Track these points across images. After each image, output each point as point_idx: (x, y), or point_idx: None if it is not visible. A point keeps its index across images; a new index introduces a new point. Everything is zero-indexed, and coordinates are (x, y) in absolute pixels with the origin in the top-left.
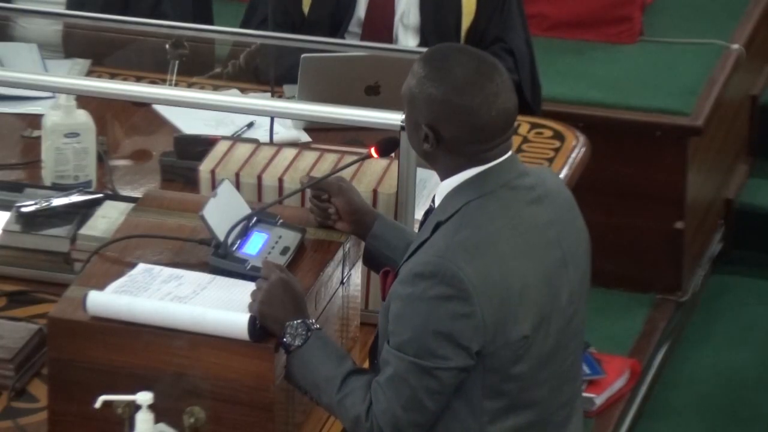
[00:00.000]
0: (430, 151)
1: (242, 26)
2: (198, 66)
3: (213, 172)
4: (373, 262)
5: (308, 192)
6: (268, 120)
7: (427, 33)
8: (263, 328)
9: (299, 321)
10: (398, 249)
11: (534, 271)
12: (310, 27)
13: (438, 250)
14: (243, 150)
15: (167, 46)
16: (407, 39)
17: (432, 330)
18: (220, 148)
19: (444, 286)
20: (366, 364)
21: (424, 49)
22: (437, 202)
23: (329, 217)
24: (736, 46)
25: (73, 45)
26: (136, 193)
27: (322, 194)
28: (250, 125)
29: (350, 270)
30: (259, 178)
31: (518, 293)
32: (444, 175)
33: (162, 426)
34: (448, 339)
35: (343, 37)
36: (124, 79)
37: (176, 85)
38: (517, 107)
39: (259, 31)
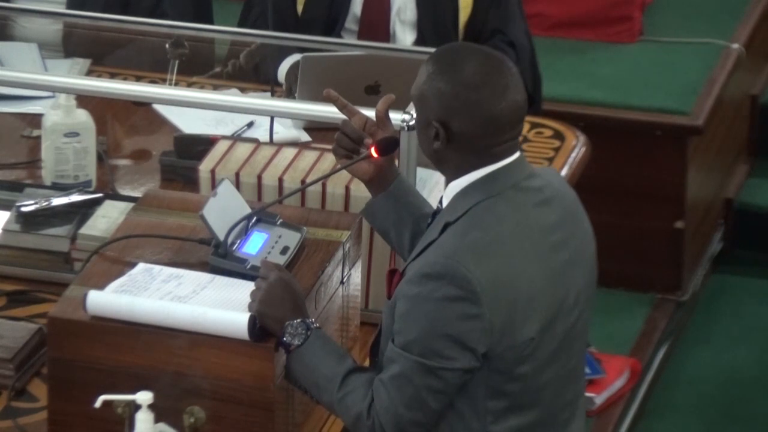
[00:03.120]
0: (439, 149)
1: (239, 24)
2: (198, 66)
3: (213, 171)
4: (375, 217)
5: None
6: (268, 120)
7: (424, 28)
8: (263, 327)
9: (299, 320)
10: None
11: (541, 273)
12: (305, 27)
13: (447, 251)
14: (243, 150)
15: (167, 45)
16: (404, 35)
17: (439, 331)
18: (220, 147)
19: (452, 287)
20: (366, 363)
21: (425, 49)
22: (445, 203)
23: (359, 144)
24: (736, 46)
25: (73, 45)
26: (136, 193)
27: (370, 124)
28: (250, 125)
29: (350, 270)
30: (259, 177)
31: (526, 296)
32: (453, 176)
33: (162, 426)
34: (454, 340)
35: (339, 35)
36: (124, 79)
37: (176, 84)
38: (527, 103)
39: (256, 29)
